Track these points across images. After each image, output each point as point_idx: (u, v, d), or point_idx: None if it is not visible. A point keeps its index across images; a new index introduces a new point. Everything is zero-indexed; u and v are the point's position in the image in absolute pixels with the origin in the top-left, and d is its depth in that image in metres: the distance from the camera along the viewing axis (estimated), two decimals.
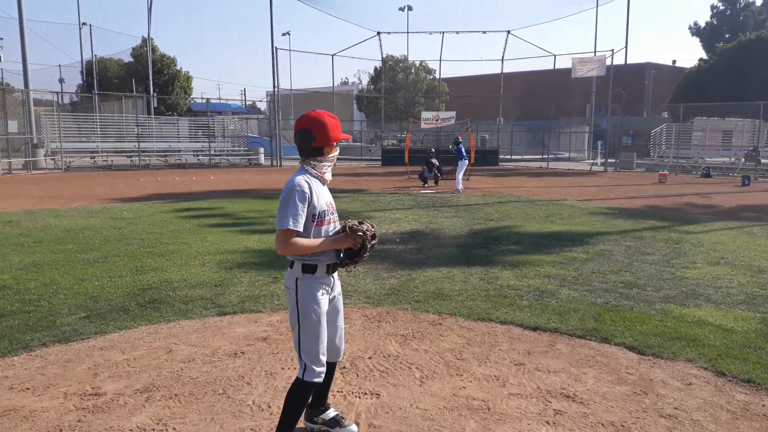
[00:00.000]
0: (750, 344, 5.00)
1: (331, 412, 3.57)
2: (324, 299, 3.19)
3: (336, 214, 3.29)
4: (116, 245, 9.11)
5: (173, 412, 3.79)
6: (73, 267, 7.60)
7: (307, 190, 3.04)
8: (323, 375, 3.20)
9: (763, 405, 3.95)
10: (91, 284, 6.78)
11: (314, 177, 3.15)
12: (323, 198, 3.16)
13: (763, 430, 3.63)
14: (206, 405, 3.89)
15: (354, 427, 3.55)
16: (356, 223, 3.20)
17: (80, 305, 6.00)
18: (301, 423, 3.52)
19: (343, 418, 3.58)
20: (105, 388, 4.14)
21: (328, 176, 3.24)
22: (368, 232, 3.17)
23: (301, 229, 3.00)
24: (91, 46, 44.49)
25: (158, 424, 3.63)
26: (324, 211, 3.13)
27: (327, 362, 3.25)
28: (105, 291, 6.51)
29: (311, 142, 3.10)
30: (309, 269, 3.14)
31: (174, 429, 3.57)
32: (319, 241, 3.08)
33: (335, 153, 3.23)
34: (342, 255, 3.23)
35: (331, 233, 3.18)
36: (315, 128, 3.10)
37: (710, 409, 3.88)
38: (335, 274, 3.30)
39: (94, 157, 29.63)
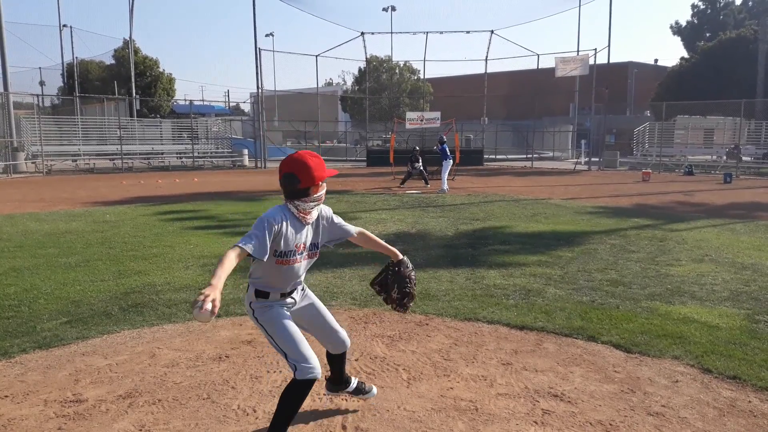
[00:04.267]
0: (735, 340, 5.02)
1: (354, 384, 3.82)
2: (283, 309, 3.29)
3: (307, 253, 3.25)
4: (98, 249, 8.99)
5: (156, 417, 3.73)
6: (55, 271, 7.49)
7: (277, 224, 3.03)
8: (318, 370, 3.17)
9: (749, 401, 3.96)
10: (73, 289, 6.68)
11: (293, 216, 3.15)
12: (297, 239, 3.15)
13: (749, 426, 3.64)
14: (190, 410, 3.83)
15: (374, 389, 3.92)
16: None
17: (61, 310, 5.90)
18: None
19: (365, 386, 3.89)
20: (86, 394, 4.07)
21: (313, 216, 3.22)
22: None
23: (250, 252, 2.90)
24: (72, 48, 43.83)
25: (141, 430, 3.56)
26: (290, 251, 3.13)
27: (334, 354, 3.51)
28: (87, 295, 6.42)
29: (297, 184, 3.10)
30: (262, 295, 3.22)
31: None
32: (225, 268, 2.82)
33: (322, 192, 3.20)
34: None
35: (296, 271, 3.21)
36: (299, 171, 3.10)
37: (697, 406, 3.89)
38: (296, 293, 3.35)
39: (75, 161, 29.28)
